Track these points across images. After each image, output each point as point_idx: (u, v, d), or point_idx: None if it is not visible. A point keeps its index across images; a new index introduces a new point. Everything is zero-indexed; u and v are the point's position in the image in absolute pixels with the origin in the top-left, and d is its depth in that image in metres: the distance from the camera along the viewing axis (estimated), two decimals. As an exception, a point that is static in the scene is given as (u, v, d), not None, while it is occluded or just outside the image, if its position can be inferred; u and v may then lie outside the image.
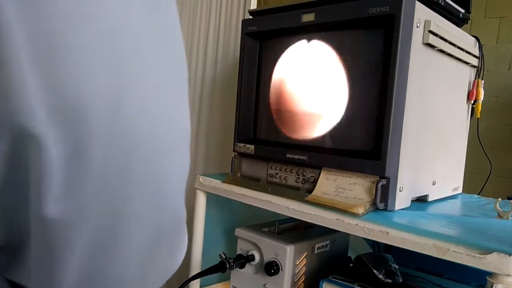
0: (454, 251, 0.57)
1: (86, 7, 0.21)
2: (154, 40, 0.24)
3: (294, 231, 0.95)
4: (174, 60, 0.26)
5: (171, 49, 0.26)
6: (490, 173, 1.08)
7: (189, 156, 0.28)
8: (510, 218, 0.71)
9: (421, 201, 0.82)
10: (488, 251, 0.55)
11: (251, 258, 0.87)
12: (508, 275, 0.53)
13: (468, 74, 0.92)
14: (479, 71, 0.94)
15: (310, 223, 0.88)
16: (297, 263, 0.84)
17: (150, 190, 0.24)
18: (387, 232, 0.65)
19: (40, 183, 0.21)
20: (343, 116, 0.78)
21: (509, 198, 0.77)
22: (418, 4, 0.71)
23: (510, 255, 0.53)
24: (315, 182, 0.82)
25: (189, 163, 0.28)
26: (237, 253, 0.90)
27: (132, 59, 0.23)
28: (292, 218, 0.81)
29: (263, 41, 0.95)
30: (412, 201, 0.77)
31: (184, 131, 0.27)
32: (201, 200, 1.02)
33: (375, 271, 0.78)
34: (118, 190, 0.23)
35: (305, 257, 0.86)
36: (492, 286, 0.55)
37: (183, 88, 0.27)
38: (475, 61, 0.92)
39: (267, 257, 0.85)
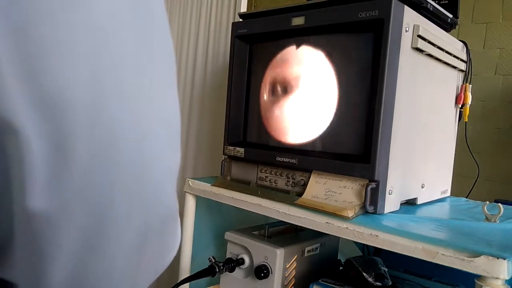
0: (443, 254, 0.58)
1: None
2: (138, 32, 0.24)
3: (284, 234, 0.95)
4: (160, 54, 0.26)
5: (156, 42, 0.25)
6: (477, 176, 1.09)
7: (180, 150, 0.28)
8: (498, 221, 0.72)
9: (410, 204, 0.83)
10: (476, 254, 0.55)
11: (241, 261, 0.87)
12: (497, 278, 0.53)
13: (456, 78, 0.93)
14: (467, 75, 0.95)
15: (300, 226, 0.88)
16: (287, 266, 0.84)
17: (136, 186, 0.24)
18: (377, 236, 0.65)
19: (22, 176, 0.21)
20: (332, 120, 0.78)
21: (496, 201, 0.77)
22: (407, 8, 0.72)
23: (498, 258, 0.53)
24: (305, 185, 0.81)
25: (179, 159, 0.28)
26: (227, 256, 0.90)
27: (113, 52, 0.22)
28: (282, 221, 0.81)
29: (253, 44, 0.95)
30: (401, 204, 0.78)
31: (172, 126, 0.26)
32: (190, 204, 1.01)
33: (364, 274, 0.78)
34: (103, 186, 0.22)
35: (295, 260, 0.86)
36: (480, 289, 0.55)
37: (171, 82, 0.27)
38: (463, 66, 0.93)
39: (257, 261, 0.85)
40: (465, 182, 1.15)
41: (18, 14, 0.19)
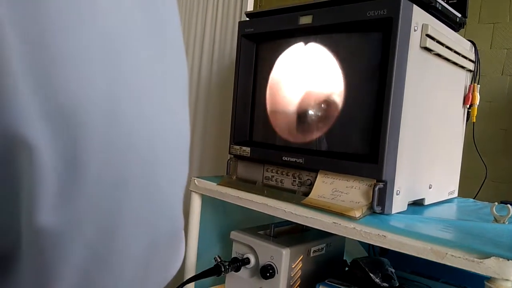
0: (452, 255, 0.57)
1: (79, 10, 0.20)
2: (152, 45, 0.24)
3: (290, 234, 0.95)
4: (173, 65, 0.26)
5: (170, 53, 0.25)
6: (485, 177, 1.08)
7: (188, 164, 0.28)
8: (507, 222, 0.71)
9: (417, 204, 0.82)
10: (486, 255, 0.55)
11: (246, 261, 0.86)
12: (507, 279, 0.52)
13: (464, 78, 0.92)
14: (475, 75, 0.94)
15: (306, 226, 0.88)
16: (292, 266, 0.83)
17: (146, 201, 0.24)
18: (385, 236, 0.65)
19: (32, 190, 0.20)
20: (339, 119, 0.78)
21: (503, 203, 0.76)
22: (415, 7, 0.71)
23: (508, 260, 0.53)
24: (311, 185, 0.81)
25: (187, 172, 0.28)
26: (232, 256, 0.90)
27: (128, 64, 0.22)
28: (288, 221, 0.81)
29: (259, 43, 0.94)
30: (408, 204, 0.77)
31: (183, 139, 0.26)
32: (196, 203, 1.01)
33: (371, 274, 0.78)
34: (113, 202, 0.22)
35: (300, 260, 0.85)
36: (490, 291, 0.54)
37: (183, 94, 0.27)
38: (471, 66, 0.92)
39: (263, 261, 0.84)
40: (472, 183, 1.14)
41: (34, 27, 0.19)
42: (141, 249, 0.24)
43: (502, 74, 2.03)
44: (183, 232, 0.30)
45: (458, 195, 1.00)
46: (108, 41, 0.21)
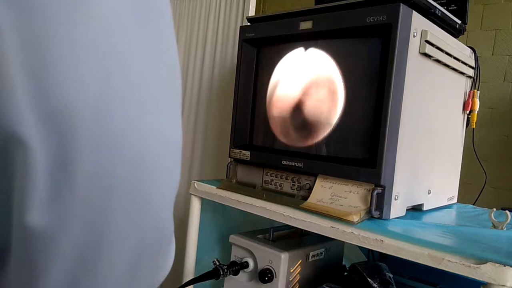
0: (449, 260, 0.57)
1: (77, 16, 0.21)
2: (146, 51, 0.24)
3: (289, 238, 0.95)
4: (166, 72, 0.26)
5: (163, 60, 0.26)
6: (485, 183, 1.08)
7: (180, 170, 0.28)
8: (505, 229, 0.71)
9: (416, 210, 0.82)
10: (483, 261, 0.55)
11: (245, 265, 0.87)
12: (503, 285, 0.52)
13: (464, 84, 0.93)
14: (475, 81, 0.94)
15: (305, 230, 0.88)
16: (291, 270, 0.84)
17: (135, 205, 0.24)
18: (382, 241, 0.65)
19: (24, 189, 0.21)
20: (339, 124, 0.78)
21: (504, 209, 0.76)
22: (415, 14, 0.71)
23: (505, 266, 0.53)
24: (310, 189, 0.81)
25: (178, 179, 0.28)
26: (231, 260, 0.90)
27: (122, 69, 0.22)
28: (287, 225, 0.81)
29: (260, 47, 0.95)
30: (407, 210, 0.77)
31: (174, 144, 0.27)
32: (195, 206, 1.02)
33: (369, 279, 0.78)
34: (102, 204, 0.22)
35: (299, 264, 0.85)
36: (486, 297, 0.54)
37: (175, 100, 0.27)
38: (471, 72, 0.92)
39: (261, 264, 0.84)
40: (472, 190, 1.14)
41: (30, 30, 0.20)
42: (128, 253, 0.24)
43: (504, 81, 2.04)
44: (173, 235, 0.30)
45: (459, 201, 1.00)
46: (101, 46, 0.21)
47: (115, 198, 0.23)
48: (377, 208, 0.71)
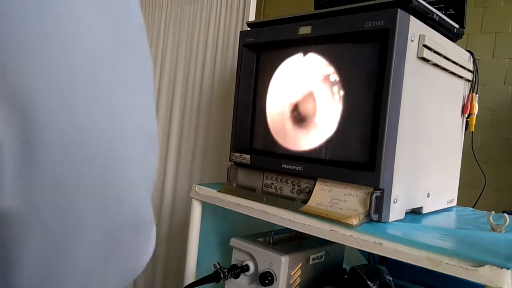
0: (447, 263, 0.58)
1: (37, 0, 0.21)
2: (110, 34, 0.24)
3: (289, 241, 0.95)
4: (133, 55, 0.26)
5: (130, 43, 0.25)
6: (484, 186, 1.08)
7: (156, 156, 0.28)
8: (503, 232, 0.71)
9: (415, 213, 0.83)
10: (480, 263, 0.55)
11: (245, 268, 0.87)
12: (500, 288, 0.53)
13: (462, 88, 0.93)
14: (474, 85, 0.95)
15: (305, 234, 0.88)
16: (291, 273, 0.84)
17: (104, 190, 0.24)
18: (381, 244, 0.65)
19: None
20: (338, 128, 0.79)
21: (505, 212, 0.77)
22: (412, 18, 0.72)
23: (502, 268, 0.53)
24: (310, 192, 0.82)
25: (154, 165, 0.28)
26: (232, 263, 0.90)
27: (85, 53, 0.22)
28: (287, 228, 0.81)
29: (260, 52, 0.96)
30: (406, 213, 0.78)
31: (147, 130, 0.26)
32: (196, 209, 1.02)
33: (369, 282, 0.78)
34: (71, 188, 0.22)
35: (299, 267, 0.86)
36: (484, 299, 0.55)
37: (146, 85, 0.27)
38: (469, 75, 0.93)
39: (262, 268, 0.85)
40: (472, 193, 1.14)
41: None
42: (100, 237, 0.24)
43: (504, 84, 2.04)
44: (151, 222, 0.29)
45: (459, 204, 1.00)
46: (67, 33, 0.21)
47: (85, 181, 0.23)
48: (376, 211, 0.71)
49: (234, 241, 0.91)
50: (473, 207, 1.00)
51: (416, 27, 0.73)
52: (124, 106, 0.24)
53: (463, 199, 1.02)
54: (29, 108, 0.21)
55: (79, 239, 0.24)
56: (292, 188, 0.87)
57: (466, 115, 0.96)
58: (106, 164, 0.23)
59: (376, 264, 0.99)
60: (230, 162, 0.98)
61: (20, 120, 0.21)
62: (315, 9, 1.01)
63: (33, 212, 0.22)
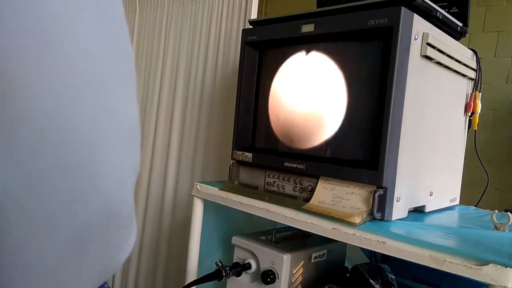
0: (450, 262, 0.57)
1: None
2: (91, 26, 0.23)
3: (291, 240, 0.95)
4: (114, 47, 0.25)
5: (111, 36, 0.25)
6: (487, 185, 1.08)
7: (138, 151, 0.27)
8: (507, 230, 0.71)
9: (418, 211, 0.82)
10: (484, 262, 0.55)
11: (247, 266, 0.87)
12: (504, 286, 0.53)
13: (465, 86, 0.93)
14: (477, 83, 0.94)
15: (307, 232, 0.88)
16: (293, 272, 0.84)
17: (79, 181, 0.23)
18: (384, 242, 0.65)
19: None
20: (341, 126, 0.79)
21: (508, 211, 0.77)
22: (416, 17, 0.72)
23: (506, 267, 0.53)
24: (312, 191, 0.82)
25: (136, 160, 0.27)
26: (234, 261, 0.90)
27: (64, 41, 0.22)
28: (289, 227, 0.81)
29: (262, 50, 0.96)
30: (409, 211, 0.78)
31: (128, 124, 0.26)
32: (198, 208, 1.02)
33: (371, 281, 0.78)
34: (46, 175, 0.22)
35: (301, 266, 0.86)
36: (488, 298, 0.55)
37: (127, 78, 0.27)
38: (472, 74, 0.92)
39: (264, 266, 0.85)
40: (474, 191, 1.14)
41: None
42: (73, 223, 0.24)
43: (506, 82, 2.04)
44: (131, 218, 0.29)
45: (462, 203, 1.00)
46: (45, 21, 0.21)
47: (61, 169, 0.23)
48: (379, 209, 0.71)
49: (236, 239, 0.91)
50: (475, 206, 1.00)
51: (419, 25, 0.73)
52: (103, 100, 0.24)
53: (465, 198, 1.02)
54: (5, 92, 0.20)
55: (51, 221, 0.23)
56: (295, 186, 0.87)
57: (469, 114, 0.95)
58: (82, 156, 0.23)
59: (378, 262, 0.99)
60: (232, 160, 0.98)
61: None
62: (317, 7, 1.00)
63: (8, 196, 0.21)
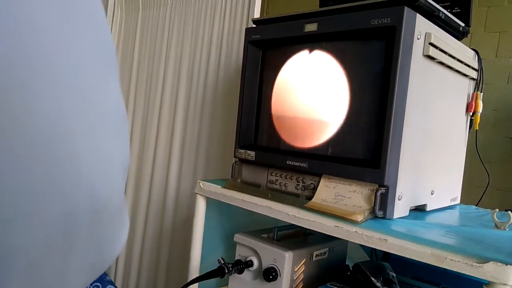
0: (451, 259, 0.58)
1: None
2: (64, 12, 0.23)
3: (293, 238, 0.96)
4: (88, 31, 0.25)
5: (85, 20, 0.24)
6: (487, 185, 1.09)
7: (125, 140, 0.27)
8: (507, 229, 0.72)
9: (419, 210, 0.83)
10: (485, 260, 0.56)
11: (249, 263, 0.88)
12: (505, 284, 0.53)
13: (467, 86, 0.94)
14: (478, 83, 0.95)
15: (309, 230, 0.89)
16: (295, 269, 0.85)
17: (59, 169, 0.23)
18: (386, 240, 0.66)
19: None
20: (343, 125, 0.79)
21: (507, 211, 0.77)
22: (419, 16, 0.72)
23: (507, 265, 0.54)
24: (314, 189, 0.82)
25: (123, 147, 0.27)
26: (236, 258, 0.91)
27: (34, 27, 0.21)
28: (291, 225, 0.82)
29: (266, 49, 0.96)
30: (410, 210, 0.78)
31: (111, 113, 0.26)
32: (201, 205, 1.03)
33: (373, 279, 0.79)
34: (23, 164, 0.21)
35: (303, 263, 0.87)
36: (488, 295, 0.55)
37: (107, 64, 0.26)
38: (474, 74, 0.93)
39: (266, 263, 0.85)
40: (475, 191, 1.14)
41: None
42: (54, 213, 0.23)
43: (507, 83, 2.04)
44: (122, 210, 0.28)
45: (463, 202, 1.00)
46: (14, 7, 0.20)
47: (36, 157, 0.22)
48: (380, 208, 0.72)
49: (238, 237, 0.91)
50: (476, 205, 1.01)
51: (422, 25, 0.73)
52: (82, 86, 0.23)
53: (466, 198, 1.02)
54: None
55: (28, 212, 0.22)
56: (297, 184, 0.87)
57: (471, 114, 0.96)
58: (61, 144, 0.22)
59: (379, 260, 0.99)
60: (234, 159, 0.98)
61: None
62: (320, 7, 1.01)
63: None
